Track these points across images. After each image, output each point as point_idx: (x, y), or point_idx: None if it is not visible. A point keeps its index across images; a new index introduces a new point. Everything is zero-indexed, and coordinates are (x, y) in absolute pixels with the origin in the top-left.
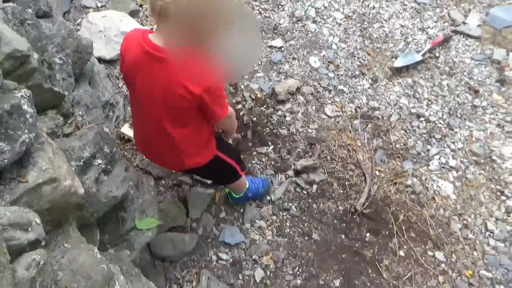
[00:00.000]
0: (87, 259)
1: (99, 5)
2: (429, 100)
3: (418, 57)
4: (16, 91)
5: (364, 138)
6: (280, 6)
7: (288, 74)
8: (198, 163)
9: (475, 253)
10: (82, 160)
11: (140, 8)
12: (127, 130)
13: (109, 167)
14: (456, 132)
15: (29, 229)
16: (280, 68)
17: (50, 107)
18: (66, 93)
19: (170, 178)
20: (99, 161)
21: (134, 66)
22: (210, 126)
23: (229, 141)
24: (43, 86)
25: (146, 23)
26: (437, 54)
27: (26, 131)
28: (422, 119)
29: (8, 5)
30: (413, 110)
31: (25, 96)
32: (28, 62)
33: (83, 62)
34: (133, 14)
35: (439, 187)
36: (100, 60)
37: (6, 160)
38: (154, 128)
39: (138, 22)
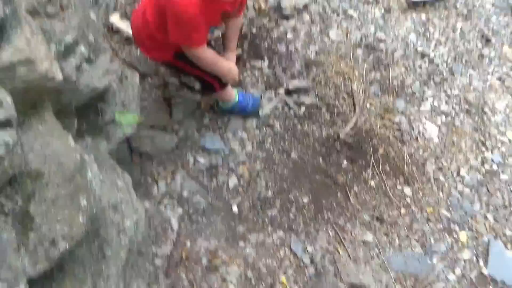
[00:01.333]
0: (60, 146)
1: None
2: (438, 41)
3: None
4: None
5: (363, 69)
6: None
7: None
8: (160, 58)
9: (441, 194)
10: (63, 44)
11: None
12: (116, 20)
13: (92, 56)
14: (456, 78)
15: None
16: None
17: None
18: None
19: (157, 77)
20: (82, 48)
21: None
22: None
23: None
24: None
25: None
26: None
27: (0, 3)
28: (426, 59)
29: None
30: (419, 49)
31: None
32: None
33: None
34: None
35: (425, 129)
36: None
37: None
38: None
39: None
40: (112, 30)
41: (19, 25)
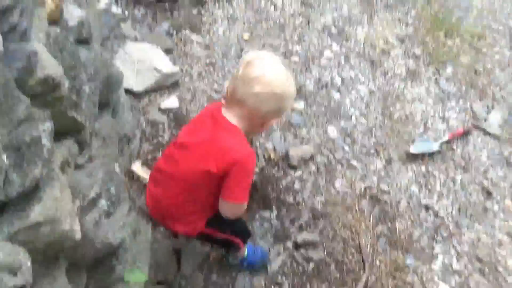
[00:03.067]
0: None
1: (138, 36)
2: (440, 193)
3: (435, 147)
4: (39, 123)
5: (370, 221)
6: (308, 69)
7: (304, 139)
8: (184, 232)
9: None
10: (87, 199)
11: (175, 46)
12: (138, 168)
13: (111, 209)
14: (463, 233)
15: (18, 273)
16: (297, 131)
17: (68, 135)
18: (88, 123)
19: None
20: (103, 202)
21: (198, 121)
22: (211, 202)
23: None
24: (67, 113)
25: (178, 62)
26: (455, 147)
27: (39, 165)
28: (430, 212)
29: (52, 29)
30: (423, 201)
31: (46, 130)
32: (58, 89)
33: (111, 93)
34: (168, 51)
35: None
36: (127, 91)
37: (14, 193)
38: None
39: (171, 60)
40: (133, 178)
41: (51, 183)
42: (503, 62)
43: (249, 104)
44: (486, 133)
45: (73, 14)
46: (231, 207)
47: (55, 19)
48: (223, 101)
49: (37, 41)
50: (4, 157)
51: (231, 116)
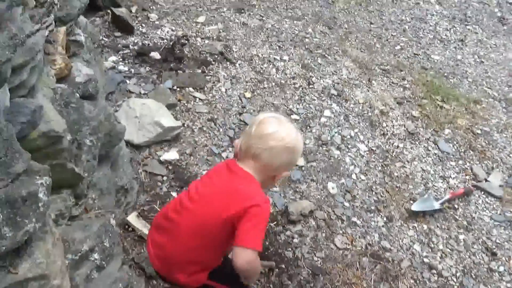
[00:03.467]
0: None
1: (142, 92)
2: (443, 253)
3: (436, 205)
4: (37, 177)
5: (371, 280)
6: (308, 127)
7: (304, 194)
8: (185, 283)
9: None
10: (79, 253)
11: (178, 102)
12: (133, 220)
13: (103, 263)
14: None
15: None
16: (297, 187)
17: (66, 186)
18: (86, 175)
19: (161, 280)
20: (96, 256)
21: (214, 173)
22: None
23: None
24: (66, 165)
25: (180, 117)
26: (456, 206)
27: (33, 220)
28: (434, 271)
29: (59, 86)
30: (425, 260)
31: (44, 184)
32: (60, 142)
33: (112, 146)
34: (170, 107)
35: None
36: (128, 143)
37: (4, 248)
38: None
39: (173, 115)
40: (128, 230)
41: (44, 237)
42: (500, 126)
43: (263, 157)
44: (487, 193)
45: (82, 71)
46: (247, 254)
47: (64, 76)
48: (235, 156)
49: (44, 96)
50: None
51: (246, 168)
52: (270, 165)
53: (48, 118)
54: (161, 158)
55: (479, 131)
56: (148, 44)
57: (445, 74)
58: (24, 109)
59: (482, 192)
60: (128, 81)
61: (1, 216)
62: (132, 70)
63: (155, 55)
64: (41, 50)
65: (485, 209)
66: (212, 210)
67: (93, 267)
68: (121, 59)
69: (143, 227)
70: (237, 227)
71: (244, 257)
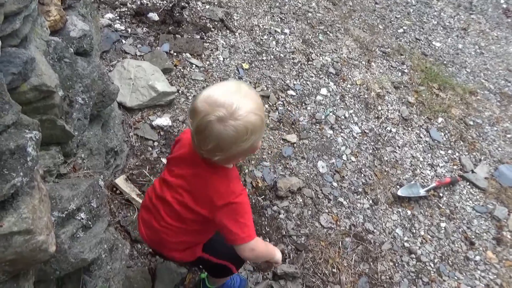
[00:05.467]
0: None
1: (138, 53)
2: (424, 238)
3: (422, 192)
4: (27, 131)
5: (352, 259)
6: (304, 104)
7: (293, 171)
8: (180, 258)
9: None
10: (66, 212)
11: (174, 67)
12: (122, 183)
13: (90, 223)
14: (444, 280)
15: None
16: (287, 163)
17: (55, 143)
18: (76, 133)
19: (146, 244)
20: (82, 215)
21: (180, 159)
22: (206, 230)
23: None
24: (56, 122)
25: (175, 83)
26: (441, 194)
27: (21, 174)
28: (413, 256)
29: (53, 39)
30: (406, 244)
31: (34, 138)
32: (51, 97)
33: (104, 106)
34: (166, 71)
35: None
36: (120, 105)
37: None
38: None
39: (168, 80)
40: (115, 192)
41: (31, 192)
42: (492, 119)
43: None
44: (472, 184)
45: (77, 25)
46: (247, 247)
47: (58, 29)
48: None
49: (37, 49)
50: None
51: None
52: (228, 158)
53: (40, 71)
54: (153, 123)
55: (471, 122)
56: (147, 4)
57: (445, 62)
58: (16, 59)
59: (468, 183)
60: (124, 41)
61: None
62: (129, 30)
63: (154, 16)
64: None
65: (468, 199)
66: (185, 203)
67: (79, 226)
68: (117, 17)
69: (131, 191)
70: (224, 226)
71: (246, 251)
